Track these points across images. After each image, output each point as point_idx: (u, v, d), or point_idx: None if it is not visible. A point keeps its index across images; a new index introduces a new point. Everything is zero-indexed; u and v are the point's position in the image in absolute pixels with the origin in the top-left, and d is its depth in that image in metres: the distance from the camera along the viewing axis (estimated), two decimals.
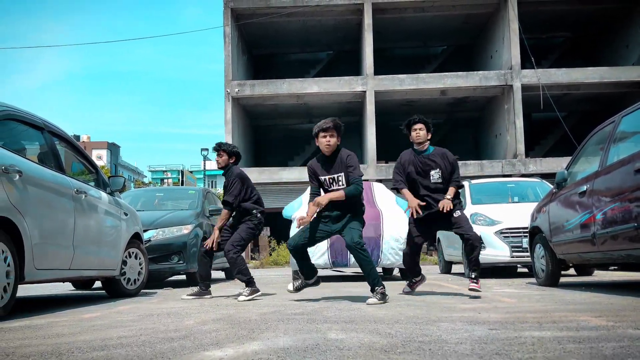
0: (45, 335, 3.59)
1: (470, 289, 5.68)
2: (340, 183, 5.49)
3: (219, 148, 6.69)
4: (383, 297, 5.26)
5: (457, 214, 5.82)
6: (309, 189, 10.65)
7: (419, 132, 5.97)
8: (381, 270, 12.25)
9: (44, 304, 6.43)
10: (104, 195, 6.53)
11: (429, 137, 6.03)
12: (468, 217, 6.56)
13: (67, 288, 9.62)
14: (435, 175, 5.93)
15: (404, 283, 8.68)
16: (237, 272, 6.36)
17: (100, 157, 62.95)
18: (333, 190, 5.48)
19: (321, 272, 7.24)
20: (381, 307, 4.84)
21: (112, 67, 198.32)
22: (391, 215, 9.22)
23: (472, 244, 5.69)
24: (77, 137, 65.80)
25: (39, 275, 5.07)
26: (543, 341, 2.90)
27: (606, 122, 6.23)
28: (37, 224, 4.94)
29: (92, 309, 5.47)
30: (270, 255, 21.26)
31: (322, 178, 5.59)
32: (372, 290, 5.36)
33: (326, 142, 5.44)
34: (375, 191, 10.25)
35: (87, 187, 6.06)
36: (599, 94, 25.13)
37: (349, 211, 5.51)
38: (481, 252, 9.32)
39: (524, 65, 23.96)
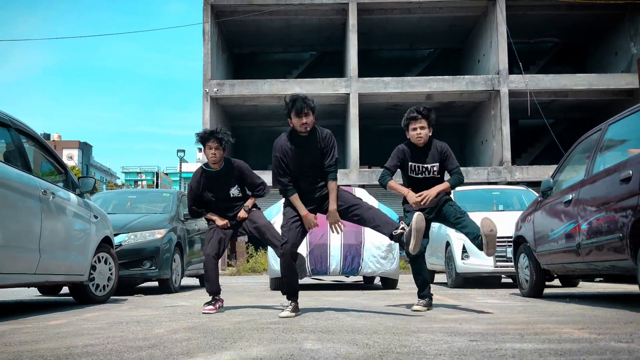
0: (7, 343, 3.54)
1: None
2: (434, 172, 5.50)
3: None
4: (429, 304, 5.56)
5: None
6: None
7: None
8: (361, 279, 12.28)
9: (7, 309, 6.35)
10: (72, 196, 6.46)
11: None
12: None
13: (32, 293, 9.52)
14: None
15: (384, 292, 8.72)
16: None
17: (71, 157, 62.25)
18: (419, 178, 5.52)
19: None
20: (360, 317, 4.85)
21: (88, 63, 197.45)
22: None
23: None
24: (47, 136, 65.09)
25: (3, 279, 5.01)
26: (524, 353, 2.92)
27: (593, 130, 6.29)
28: (1, 225, 4.87)
29: (58, 315, 5.42)
30: (248, 262, 21.19)
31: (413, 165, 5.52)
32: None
33: (417, 134, 5.42)
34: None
35: (55, 188, 5.98)
36: (587, 101, 25.41)
37: None
38: (464, 261, 9.41)
39: (511, 71, 24.16)
